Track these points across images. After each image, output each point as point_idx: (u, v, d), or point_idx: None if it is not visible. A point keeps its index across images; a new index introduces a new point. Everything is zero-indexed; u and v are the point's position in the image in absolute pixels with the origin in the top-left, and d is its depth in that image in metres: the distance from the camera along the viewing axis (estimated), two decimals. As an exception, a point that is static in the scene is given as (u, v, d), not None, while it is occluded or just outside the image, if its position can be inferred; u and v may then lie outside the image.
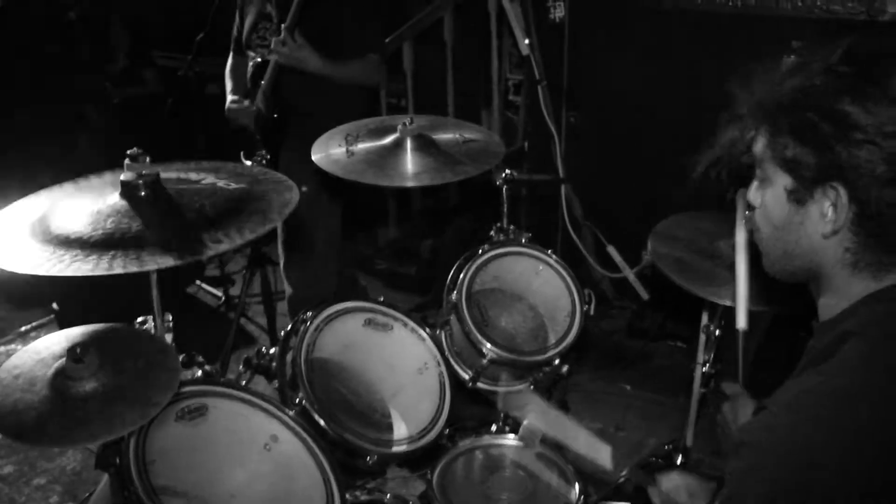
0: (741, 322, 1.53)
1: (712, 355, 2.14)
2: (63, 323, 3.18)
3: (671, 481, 1.58)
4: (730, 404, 1.44)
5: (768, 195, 1.12)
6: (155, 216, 1.52)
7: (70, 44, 6.11)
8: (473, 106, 4.03)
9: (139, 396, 1.40)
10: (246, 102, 2.90)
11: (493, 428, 2.30)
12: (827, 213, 1.03)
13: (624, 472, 2.51)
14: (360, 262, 3.96)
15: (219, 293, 3.57)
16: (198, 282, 3.79)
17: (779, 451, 0.96)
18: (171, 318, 1.79)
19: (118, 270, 1.35)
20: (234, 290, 3.61)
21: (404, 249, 4.10)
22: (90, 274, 1.35)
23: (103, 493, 1.52)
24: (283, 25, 2.61)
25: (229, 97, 3.00)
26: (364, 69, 2.80)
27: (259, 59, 2.82)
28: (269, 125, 2.83)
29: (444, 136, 2.13)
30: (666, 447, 2.33)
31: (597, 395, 3.16)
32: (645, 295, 3.43)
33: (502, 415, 2.32)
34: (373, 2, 2.85)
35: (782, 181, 1.08)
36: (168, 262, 1.38)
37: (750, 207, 1.21)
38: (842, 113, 0.98)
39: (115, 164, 1.62)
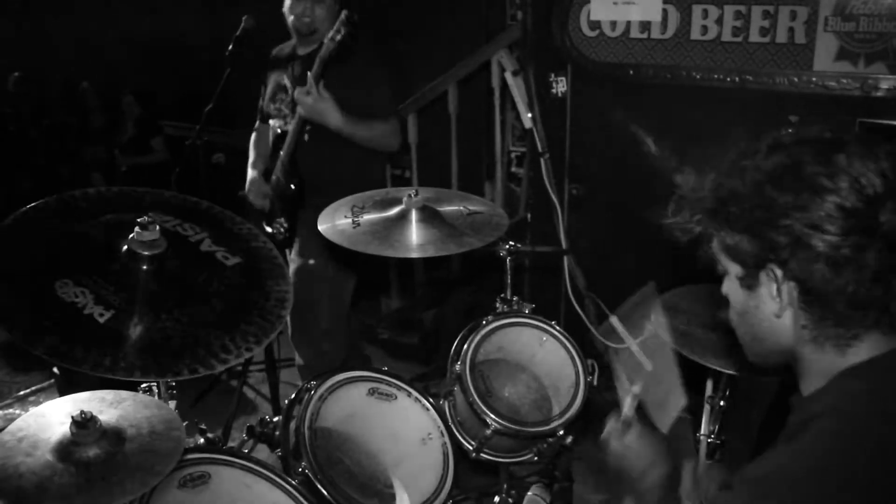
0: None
1: (717, 426, 2.12)
2: (63, 388, 3.16)
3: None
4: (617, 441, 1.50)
5: (729, 286, 1.19)
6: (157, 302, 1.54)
7: (82, 113, 6.29)
8: (477, 178, 4.10)
9: (142, 464, 1.40)
10: (267, 187, 2.95)
11: (497, 500, 2.28)
12: (774, 294, 1.09)
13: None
14: (362, 332, 3.97)
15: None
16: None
17: None
18: (174, 384, 1.80)
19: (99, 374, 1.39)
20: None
21: (406, 319, 4.11)
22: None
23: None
24: (308, 73, 2.65)
25: (250, 173, 3.07)
26: (384, 131, 2.84)
27: (279, 130, 2.89)
28: (288, 195, 2.87)
29: (449, 208, 2.17)
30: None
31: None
32: (649, 366, 3.41)
33: (505, 486, 2.31)
34: (391, 68, 2.93)
35: (734, 270, 1.15)
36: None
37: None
38: (768, 200, 1.05)
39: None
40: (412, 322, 4.07)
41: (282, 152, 2.84)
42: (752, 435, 2.48)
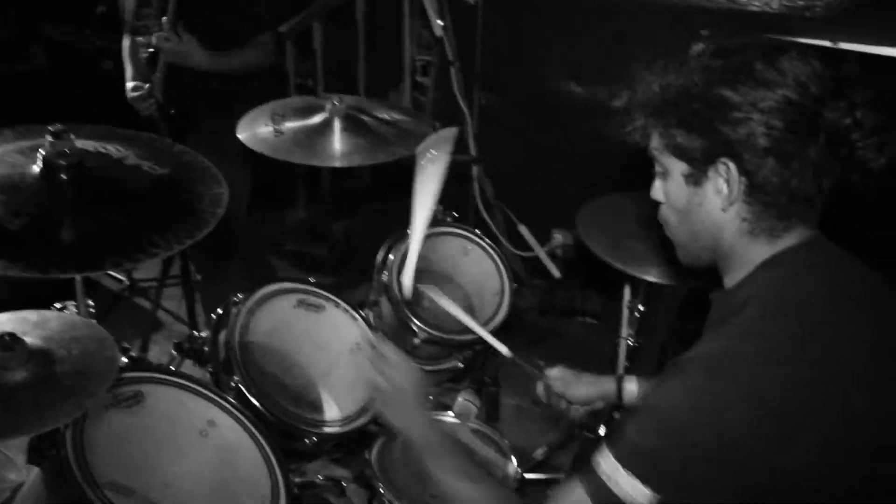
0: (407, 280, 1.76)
1: (635, 330, 2.23)
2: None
3: (552, 372, 1.76)
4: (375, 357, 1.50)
5: (669, 185, 1.23)
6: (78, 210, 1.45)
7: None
8: (383, 87, 4.00)
9: (75, 386, 1.34)
10: (146, 87, 2.75)
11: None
12: (721, 188, 1.14)
13: (542, 450, 2.60)
14: (268, 244, 3.88)
15: (122, 277, 3.40)
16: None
17: (695, 415, 1.04)
18: (92, 302, 1.72)
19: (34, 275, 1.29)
20: (138, 274, 3.45)
21: (314, 231, 4.05)
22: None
23: (33, 491, 1.44)
24: (163, 19, 2.50)
25: (129, 84, 2.85)
26: (255, 55, 2.71)
27: (149, 51, 2.68)
28: (170, 118, 2.71)
29: (374, 117, 2.12)
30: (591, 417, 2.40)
31: (513, 371, 3.22)
32: (557, 273, 3.52)
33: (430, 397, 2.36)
34: None
35: (678, 168, 1.19)
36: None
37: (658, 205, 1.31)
38: (719, 97, 1.10)
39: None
40: (320, 233, 4.01)
41: (157, 75, 2.65)
42: (658, 338, 2.64)
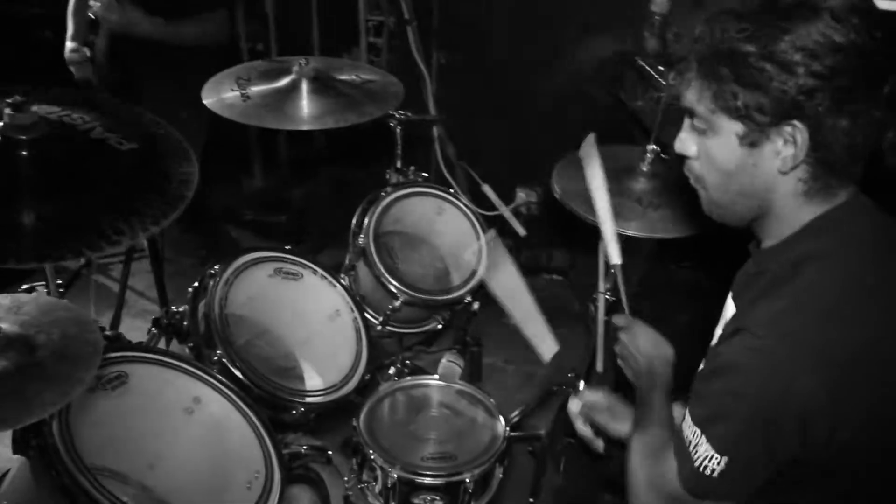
0: (616, 258, 1.67)
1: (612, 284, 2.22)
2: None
3: (593, 397, 1.59)
4: (627, 334, 1.53)
5: (714, 144, 1.14)
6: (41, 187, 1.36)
7: None
8: (337, 49, 3.90)
9: (59, 372, 1.27)
10: (86, 50, 2.62)
11: (392, 371, 2.31)
12: (783, 150, 1.07)
13: (520, 409, 2.61)
14: (225, 214, 3.79)
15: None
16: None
17: (764, 374, 1.03)
18: (62, 283, 1.65)
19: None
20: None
21: (273, 199, 3.96)
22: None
23: (20, 481, 1.38)
24: None
25: (68, 44, 2.70)
26: (208, 29, 2.60)
27: (92, 16, 2.53)
28: (112, 86, 2.57)
29: (342, 78, 2.06)
30: (569, 375, 2.41)
31: (487, 329, 3.23)
32: (522, 231, 3.51)
33: (400, 356, 2.34)
34: None
35: (731, 128, 1.10)
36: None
37: (680, 157, 1.25)
38: (780, 52, 1.02)
39: None
40: (279, 201, 3.92)
41: (98, 40, 2.51)
42: (630, 290, 2.64)
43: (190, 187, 1.51)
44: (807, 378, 1.01)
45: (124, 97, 2.54)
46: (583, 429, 1.60)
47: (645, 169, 2.00)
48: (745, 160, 1.11)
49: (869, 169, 1.14)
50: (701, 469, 1.08)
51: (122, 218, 1.36)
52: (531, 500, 2.17)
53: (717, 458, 1.06)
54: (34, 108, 1.39)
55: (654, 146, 2.00)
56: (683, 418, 1.14)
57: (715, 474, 1.07)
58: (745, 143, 1.10)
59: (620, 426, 1.48)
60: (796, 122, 1.05)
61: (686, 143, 1.20)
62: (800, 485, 1.10)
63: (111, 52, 2.51)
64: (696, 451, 1.08)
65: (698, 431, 1.08)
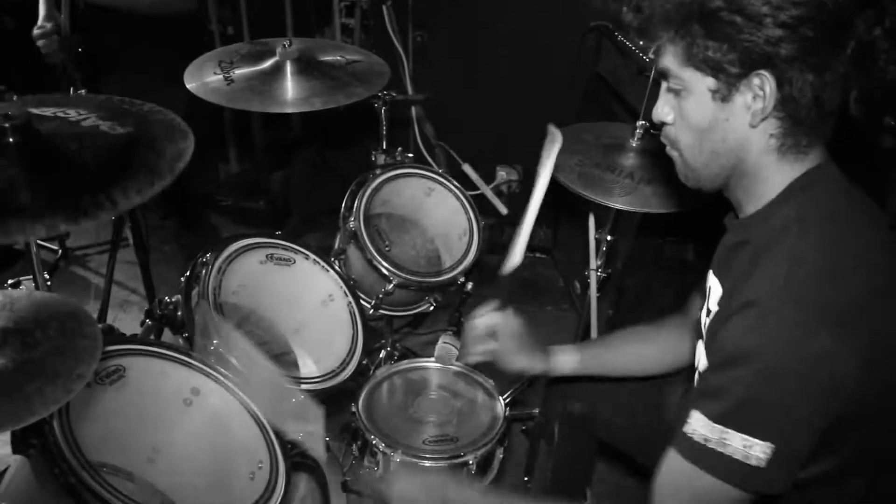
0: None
1: (604, 260, 2.23)
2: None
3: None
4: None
5: (688, 103, 1.17)
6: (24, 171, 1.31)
7: None
8: (310, 32, 3.84)
9: (59, 368, 1.24)
10: (48, 25, 2.53)
11: (382, 354, 2.30)
12: (752, 103, 1.11)
13: (513, 388, 2.61)
14: (203, 200, 3.73)
15: (54, 246, 3.20)
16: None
17: (788, 345, 1.02)
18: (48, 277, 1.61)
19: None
20: (71, 242, 3.25)
21: (250, 184, 3.90)
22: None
23: (20, 480, 1.34)
24: None
25: (39, 23, 2.62)
26: None
27: None
28: (79, 60, 2.47)
29: (326, 59, 2.02)
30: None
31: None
32: (504, 210, 3.51)
33: (390, 339, 2.33)
34: None
35: (704, 83, 1.13)
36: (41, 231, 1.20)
37: (656, 127, 1.28)
38: (751, 7, 1.05)
39: None
40: (256, 186, 3.87)
41: (61, 16, 2.43)
42: (619, 263, 2.66)
43: (182, 160, 1.46)
44: (828, 337, 1.01)
45: (91, 77, 2.48)
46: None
47: (634, 144, 2.00)
48: (718, 115, 1.15)
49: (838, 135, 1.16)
50: (745, 461, 1.04)
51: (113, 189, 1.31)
52: (525, 478, 2.17)
53: (759, 446, 1.03)
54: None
55: (643, 121, 2.00)
56: (684, 426, 1.11)
57: (763, 464, 1.04)
58: (718, 98, 1.13)
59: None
60: (763, 72, 1.08)
61: (664, 109, 1.23)
62: (830, 447, 1.09)
63: (73, 24, 2.43)
64: (726, 448, 1.05)
65: (722, 428, 1.05)
